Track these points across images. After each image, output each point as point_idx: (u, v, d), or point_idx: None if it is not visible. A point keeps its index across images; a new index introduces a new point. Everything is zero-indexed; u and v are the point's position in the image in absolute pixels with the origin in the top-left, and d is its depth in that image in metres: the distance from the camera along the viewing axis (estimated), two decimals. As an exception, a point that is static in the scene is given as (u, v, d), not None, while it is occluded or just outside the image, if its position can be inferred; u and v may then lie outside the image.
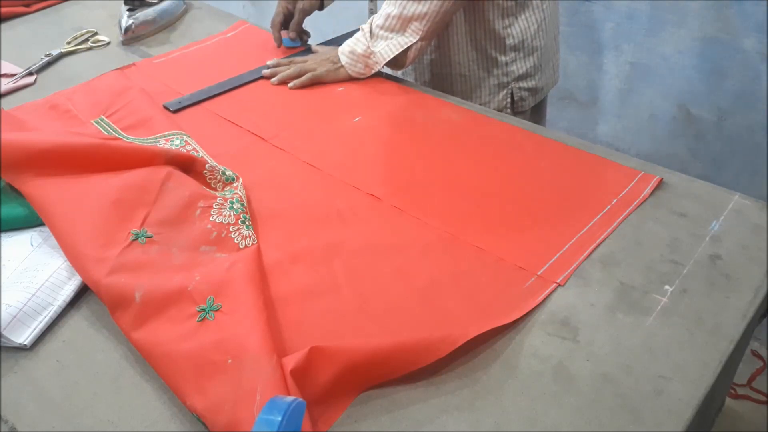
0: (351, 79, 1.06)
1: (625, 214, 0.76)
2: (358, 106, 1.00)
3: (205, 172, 0.80)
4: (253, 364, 0.54)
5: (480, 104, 1.12)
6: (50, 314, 0.65)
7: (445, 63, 1.12)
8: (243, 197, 0.77)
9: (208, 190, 0.78)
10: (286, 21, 1.18)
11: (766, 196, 1.21)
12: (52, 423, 0.56)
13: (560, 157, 0.86)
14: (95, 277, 0.65)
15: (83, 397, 0.58)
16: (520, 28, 1.07)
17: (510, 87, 1.12)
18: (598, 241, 0.72)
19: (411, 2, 0.97)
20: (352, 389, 0.57)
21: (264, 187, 0.83)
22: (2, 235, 0.75)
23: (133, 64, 1.16)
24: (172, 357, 0.58)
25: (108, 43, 1.24)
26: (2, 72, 1.13)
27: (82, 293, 0.69)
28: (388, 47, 1.01)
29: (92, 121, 0.96)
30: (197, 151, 0.86)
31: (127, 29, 1.23)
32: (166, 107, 1.00)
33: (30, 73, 1.14)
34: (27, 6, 1.40)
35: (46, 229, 0.73)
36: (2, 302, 0.64)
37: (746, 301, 0.64)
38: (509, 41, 1.08)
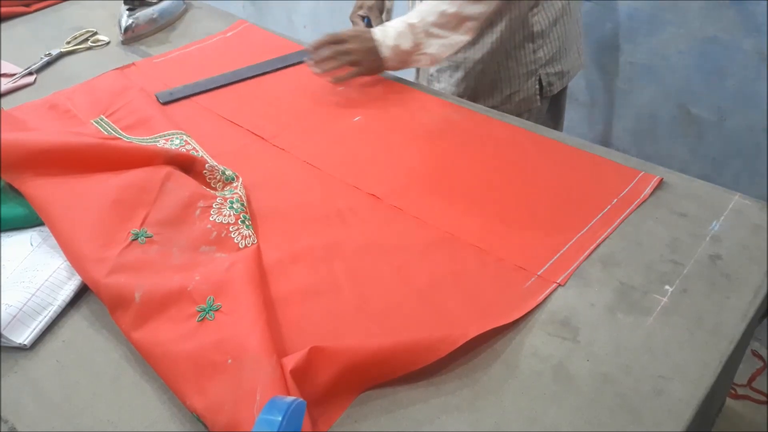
0: (383, 71, 1.03)
1: (625, 214, 0.76)
2: (358, 106, 1.00)
3: (204, 171, 0.80)
4: (253, 364, 0.54)
5: (510, 93, 1.13)
6: (50, 314, 0.65)
7: (480, 59, 1.10)
8: (243, 197, 0.77)
9: (208, 189, 0.78)
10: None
11: (766, 196, 1.21)
12: (52, 423, 0.56)
13: (560, 157, 0.86)
14: (95, 277, 0.65)
15: (83, 397, 0.58)
16: (545, 13, 1.07)
17: (538, 73, 1.12)
18: (598, 241, 0.72)
19: (469, 2, 0.94)
20: (352, 389, 0.57)
21: (264, 187, 0.83)
22: (2, 235, 0.75)
23: (133, 63, 1.15)
24: (172, 357, 0.58)
25: (108, 43, 1.24)
26: (2, 72, 1.13)
27: (82, 293, 0.69)
28: (442, 48, 0.97)
29: (92, 121, 0.96)
30: (197, 151, 0.86)
31: (126, 29, 1.23)
32: (156, 96, 1.01)
33: (30, 73, 1.14)
34: (27, 6, 1.39)
35: (45, 229, 0.73)
36: (2, 302, 0.64)
37: (746, 301, 0.64)
38: (536, 28, 1.08)
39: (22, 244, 0.73)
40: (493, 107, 1.13)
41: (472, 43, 1.09)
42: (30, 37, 1.28)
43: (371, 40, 0.99)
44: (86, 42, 1.24)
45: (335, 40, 1.00)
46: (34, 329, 0.64)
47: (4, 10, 1.35)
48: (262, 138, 0.93)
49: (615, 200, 0.78)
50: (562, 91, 1.22)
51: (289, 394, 0.52)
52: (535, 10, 1.07)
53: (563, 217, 0.76)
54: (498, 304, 0.65)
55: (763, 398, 1.40)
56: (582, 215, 0.76)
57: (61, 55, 1.20)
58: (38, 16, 1.38)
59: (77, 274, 0.68)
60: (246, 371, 0.54)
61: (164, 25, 1.29)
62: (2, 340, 0.63)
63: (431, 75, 1.19)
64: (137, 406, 0.58)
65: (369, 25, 1.20)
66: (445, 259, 0.71)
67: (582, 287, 0.67)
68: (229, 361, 0.56)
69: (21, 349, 0.63)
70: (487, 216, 0.77)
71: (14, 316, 0.64)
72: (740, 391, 1.42)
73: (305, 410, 0.50)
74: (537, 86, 1.13)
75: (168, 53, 1.20)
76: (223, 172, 0.81)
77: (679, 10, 1.39)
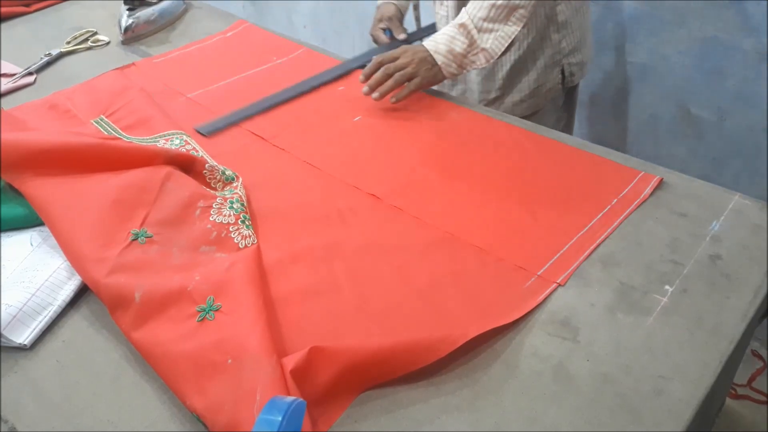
0: (442, 80, 1.00)
1: (625, 214, 0.76)
2: (358, 106, 1.00)
3: (204, 171, 0.80)
4: (253, 364, 0.54)
5: (537, 86, 1.13)
6: (50, 314, 0.65)
7: (506, 53, 1.09)
8: (243, 197, 0.77)
9: (207, 189, 0.78)
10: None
11: (766, 196, 1.21)
12: (52, 423, 0.56)
13: (560, 157, 0.86)
14: (95, 277, 0.65)
15: (83, 397, 0.58)
16: (570, 3, 1.08)
17: (561, 64, 1.13)
18: (598, 241, 0.72)
19: None
20: (352, 389, 0.57)
21: (264, 187, 0.83)
22: (2, 235, 0.75)
23: (133, 63, 1.15)
24: (172, 357, 0.58)
25: (108, 43, 1.24)
26: (2, 72, 1.13)
27: (82, 293, 0.69)
28: (497, 41, 0.95)
29: (92, 121, 0.96)
30: (197, 151, 0.86)
31: (126, 29, 1.23)
32: (198, 131, 0.94)
33: (30, 73, 1.14)
34: (27, 6, 1.40)
35: (45, 229, 0.73)
36: (2, 302, 0.64)
37: (746, 301, 0.64)
38: (560, 17, 1.08)
39: (22, 244, 0.73)
40: (521, 101, 1.14)
41: None
42: (30, 37, 1.28)
43: (423, 50, 0.97)
44: (86, 42, 1.24)
45: (386, 60, 0.98)
46: (34, 329, 0.64)
47: (4, 10, 1.35)
48: (262, 138, 0.93)
49: (615, 200, 0.78)
50: (576, 85, 1.22)
51: (289, 394, 0.52)
52: None
53: (563, 217, 0.76)
54: (498, 304, 0.65)
55: (763, 398, 1.40)
56: (582, 215, 0.76)
57: (61, 55, 1.20)
58: (38, 16, 1.38)
59: (77, 274, 0.68)
60: (246, 371, 0.54)
61: (164, 25, 1.29)
62: (2, 340, 0.63)
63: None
64: (137, 406, 0.58)
65: (392, 37, 1.19)
66: (445, 259, 0.71)
67: (582, 287, 0.67)
68: (229, 361, 0.56)
69: (21, 349, 0.63)
70: (487, 216, 0.77)
71: (14, 316, 0.64)
72: (740, 391, 1.42)
73: (305, 410, 0.50)
74: (560, 76, 1.14)
75: (168, 53, 1.20)
76: (223, 172, 0.81)
77: (679, 10, 1.39)
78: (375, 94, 0.97)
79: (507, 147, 0.89)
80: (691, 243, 0.71)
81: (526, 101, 1.15)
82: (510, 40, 0.96)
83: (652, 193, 0.78)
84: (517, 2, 0.94)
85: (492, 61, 0.97)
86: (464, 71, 0.99)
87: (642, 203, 0.77)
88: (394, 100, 0.97)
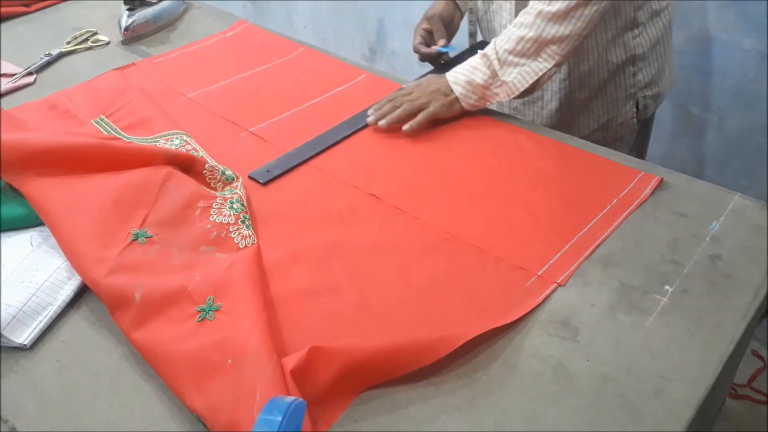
0: (465, 113, 0.94)
1: (625, 214, 0.76)
2: (358, 107, 1.00)
3: (204, 172, 0.80)
4: (253, 364, 0.54)
5: (607, 120, 1.08)
6: (50, 314, 0.65)
7: (577, 87, 1.05)
8: (243, 197, 0.77)
9: (207, 190, 0.78)
10: (426, 42, 1.07)
11: (766, 196, 1.21)
12: (51, 423, 0.56)
13: (560, 157, 0.86)
14: (95, 277, 0.65)
15: (83, 397, 0.58)
16: (648, 36, 1.02)
17: (636, 96, 1.07)
18: (598, 241, 0.72)
19: (551, 24, 0.86)
20: (352, 389, 0.57)
21: (264, 187, 0.83)
22: (2, 235, 0.75)
23: (133, 63, 1.15)
24: (172, 357, 0.58)
25: (108, 43, 1.24)
26: (2, 72, 1.13)
27: (82, 293, 0.69)
28: (521, 75, 0.90)
29: (92, 121, 0.96)
30: (197, 151, 0.86)
31: (126, 29, 1.23)
32: (252, 178, 0.85)
33: (30, 73, 1.14)
34: (27, 6, 1.39)
35: (46, 229, 0.73)
36: (2, 302, 0.64)
37: (746, 301, 0.64)
38: (638, 51, 1.03)
39: (22, 244, 0.73)
40: (588, 135, 1.08)
41: (568, 71, 1.04)
42: (30, 37, 1.28)
43: (440, 82, 0.94)
44: (86, 42, 1.24)
45: (399, 95, 0.95)
46: (34, 329, 0.64)
47: (4, 10, 1.35)
48: (263, 139, 0.93)
49: (615, 200, 0.78)
50: (651, 115, 1.16)
51: (289, 394, 0.52)
52: (636, 32, 1.01)
53: (563, 217, 0.76)
54: (498, 304, 0.65)
55: (763, 398, 1.40)
56: (582, 215, 0.76)
57: (61, 55, 1.20)
58: (38, 16, 1.38)
59: (77, 274, 0.68)
60: (246, 371, 0.54)
61: (164, 25, 1.29)
62: (2, 340, 0.63)
63: (515, 108, 1.13)
64: (137, 406, 0.58)
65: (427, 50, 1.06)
66: (445, 259, 0.71)
67: (582, 287, 0.67)
68: (229, 361, 0.56)
69: (21, 349, 0.63)
70: (487, 216, 0.77)
71: (14, 316, 0.64)
72: (740, 391, 1.42)
73: (305, 410, 0.50)
74: (634, 109, 1.07)
75: (168, 53, 1.20)
76: (223, 172, 0.81)
77: (679, 10, 1.38)
78: (381, 122, 0.92)
79: (507, 147, 0.89)
80: (691, 243, 0.71)
81: (593, 135, 1.09)
82: (537, 76, 0.89)
83: (652, 193, 0.78)
84: (549, 36, 0.87)
85: (513, 96, 0.92)
86: (488, 102, 0.94)
87: (642, 203, 0.77)
88: (406, 127, 0.91)
